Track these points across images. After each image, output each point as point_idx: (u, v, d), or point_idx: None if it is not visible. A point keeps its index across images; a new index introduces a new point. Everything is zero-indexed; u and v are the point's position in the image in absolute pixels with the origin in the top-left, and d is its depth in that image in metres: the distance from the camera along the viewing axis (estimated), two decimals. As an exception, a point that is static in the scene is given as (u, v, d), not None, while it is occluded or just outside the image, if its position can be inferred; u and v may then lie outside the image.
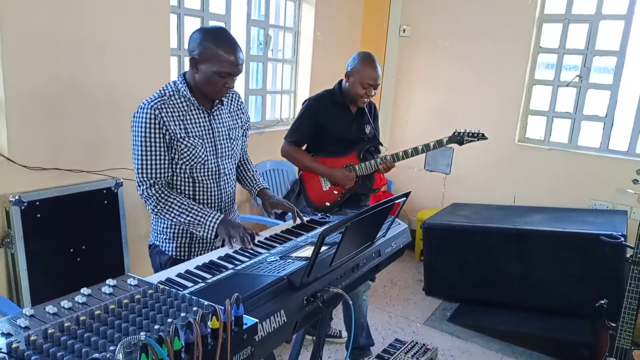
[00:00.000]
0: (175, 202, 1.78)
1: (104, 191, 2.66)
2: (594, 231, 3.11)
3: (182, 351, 0.91)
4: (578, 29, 3.97)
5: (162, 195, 1.78)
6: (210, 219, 1.78)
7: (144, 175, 1.77)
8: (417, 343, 2.71)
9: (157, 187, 1.78)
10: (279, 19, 3.96)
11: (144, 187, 1.78)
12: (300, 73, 4.14)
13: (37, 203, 2.35)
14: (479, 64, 4.31)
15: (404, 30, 4.63)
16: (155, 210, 1.79)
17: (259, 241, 1.80)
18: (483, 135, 2.83)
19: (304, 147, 2.78)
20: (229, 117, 1.96)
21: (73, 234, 2.52)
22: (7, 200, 2.25)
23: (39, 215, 2.35)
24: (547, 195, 4.07)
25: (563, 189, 4.03)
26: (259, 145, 3.59)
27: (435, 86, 4.60)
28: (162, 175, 1.79)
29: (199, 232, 1.80)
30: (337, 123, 2.67)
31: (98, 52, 2.54)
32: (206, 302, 1.11)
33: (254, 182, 2.16)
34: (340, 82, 2.68)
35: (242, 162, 2.17)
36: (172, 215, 1.79)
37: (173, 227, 1.90)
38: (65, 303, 1.11)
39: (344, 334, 3.03)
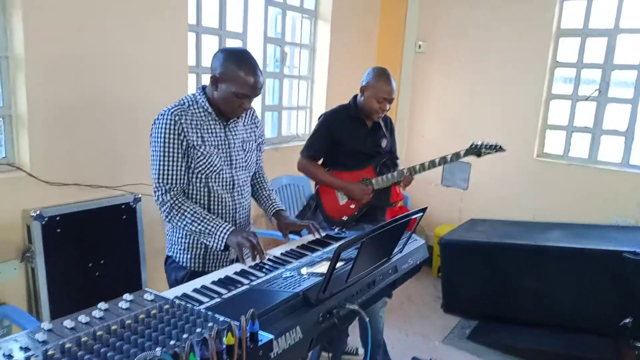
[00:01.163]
0: (188, 209, 1.79)
1: (123, 206, 2.69)
2: (616, 248, 3.03)
3: (197, 367, 0.91)
4: (596, 42, 3.94)
5: (177, 202, 1.80)
6: (220, 229, 1.78)
7: (161, 181, 1.79)
8: (435, 362, 2.67)
9: (172, 193, 1.80)
10: (295, 36, 4.01)
11: (160, 192, 1.80)
12: (316, 89, 4.17)
13: (58, 218, 2.39)
14: (495, 78, 4.30)
15: (420, 46, 4.64)
16: (169, 217, 1.81)
17: (274, 257, 1.80)
18: (501, 147, 2.79)
19: (320, 162, 2.78)
20: (243, 129, 1.99)
21: (92, 249, 2.55)
22: (28, 215, 2.29)
23: (59, 230, 2.39)
24: (567, 212, 4.00)
25: (583, 204, 3.95)
26: (275, 160, 3.60)
27: (452, 101, 4.58)
28: (179, 181, 1.81)
29: (209, 242, 1.80)
30: (353, 137, 2.67)
31: (118, 70, 2.60)
32: (222, 318, 1.10)
33: (270, 202, 2.16)
34: (356, 96, 2.69)
35: (258, 180, 2.18)
36: (184, 223, 1.79)
37: (188, 237, 1.91)
38: (82, 318, 1.12)
39: (361, 350, 2.99)
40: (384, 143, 2.75)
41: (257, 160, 2.12)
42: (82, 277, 2.50)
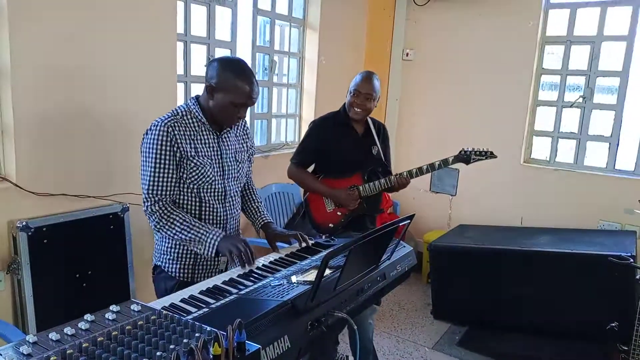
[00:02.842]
0: (177, 218, 1.79)
1: (110, 216, 2.67)
2: (602, 252, 3.07)
3: (183, 378, 0.91)
4: (580, 50, 4.00)
5: (166, 211, 1.79)
6: (211, 236, 1.77)
7: (151, 191, 1.79)
8: (425, 368, 2.67)
9: (161, 203, 1.79)
10: (284, 45, 4.03)
11: (149, 203, 1.79)
12: (305, 97, 4.18)
13: (44, 229, 2.36)
14: (482, 86, 4.34)
15: (407, 54, 4.68)
16: (158, 226, 1.80)
17: (263, 265, 1.80)
18: (492, 153, 2.81)
19: (311, 168, 2.79)
20: (235, 140, 1.99)
21: (79, 259, 2.53)
22: (14, 226, 2.27)
23: (45, 241, 2.36)
24: (555, 216, 4.04)
25: (570, 209, 4.00)
26: (264, 168, 3.61)
27: (440, 108, 4.62)
28: (169, 192, 1.81)
29: (200, 249, 1.79)
30: (341, 144, 2.68)
31: (106, 79, 2.59)
32: (209, 328, 1.10)
33: (259, 214, 2.15)
34: (345, 102, 2.71)
35: (247, 192, 2.17)
36: (174, 231, 1.78)
37: (177, 247, 1.90)
38: (68, 330, 1.12)
39: (351, 358, 2.99)
40: (374, 150, 2.76)
41: (249, 170, 2.12)
42: (69, 289, 2.47)
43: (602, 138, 3.98)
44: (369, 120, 2.78)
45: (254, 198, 2.18)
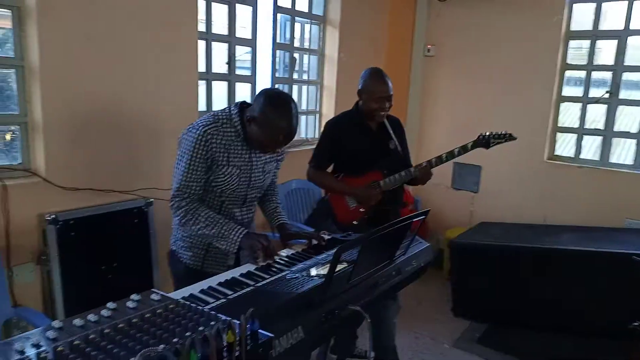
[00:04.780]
0: (202, 214, 1.84)
1: (135, 210, 2.75)
2: (627, 250, 3.01)
3: (198, 364, 0.95)
4: (606, 45, 3.92)
5: (191, 207, 1.84)
6: (234, 233, 1.82)
7: (181, 188, 1.85)
8: (443, 365, 2.67)
9: (189, 199, 1.85)
10: (304, 42, 4.06)
11: (178, 199, 1.85)
12: (325, 93, 4.20)
13: (72, 222, 2.45)
14: (505, 81, 4.29)
15: (429, 50, 4.66)
16: (183, 221, 1.85)
17: (280, 259, 1.84)
18: (511, 135, 2.77)
19: (330, 168, 2.80)
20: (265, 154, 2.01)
21: (105, 252, 2.62)
22: (43, 219, 2.36)
23: (73, 234, 2.45)
24: (579, 214, 3.97)
25: (595, 207, 3.92)
26: (284, 165, 3.62)
27: (462, 104, 4.59)
28: (197, 192, 1.87)
29: (222, 245, 1.84)
30: (357, 142, 2.67)
31: (130, 77, 2.66)
32: (223, 317, 1.14)
33: (276, 214, 2.15)
34: (357, 102, 2.72)
35: (269, 192, 2.19)
36: (198, 227, 1.83)
37: (192, 237, 1.96)
38: (91, 317, 1.17)
39: (371, 354, 3.00)
40: (391, 145, 2.76)
41: (275, 175, 2.16)
42: (95, 280, 2.56)
43: (629, 134, 3.89)
44: None
45: (274, 199, 2.20)
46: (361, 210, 2.69)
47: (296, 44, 3.93)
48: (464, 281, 3.65)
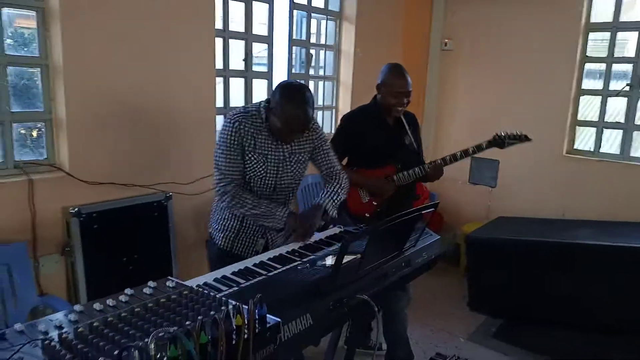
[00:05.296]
0: (248, 197, 1.97)
1: (155, 204, 2.83)
2: (646, 245, 2.97)
3: (208, 345, 1.00)
4: (627, 36, 3.85)
5: (237, 192, 1.97)
6: (279, 211, 1.95)
7: (223, 174, 1.97)
8: (459, 358, 2.67)
9: (233, 184, 1.97)
10: (320, 38, 4.09)
11: (223, 184, 1.98)
12: (342, 89, 4.23)
13: (94, 215, 2.55)
14: (523, 74, 4.25)
15: (446, 44, 4.64)
16: (231, 204, 1.98)
17: (293, 250, 1.88)
18: (526, 136, 2.77)
19: (344, 161, 2.83)
20: (297, 142, 2.09)
21: (126, 244, 2.70)
22: (67, 212, 2.46)
23: (95, 226, 2.55)
24: (599, 209, 3.92)
25: (615, 202, 3.87)
26: (301, 160, 3.68)
27: (479, 98, 4.56)
28: (238, 175, 1.99)
29: (269, 223, 1.97)
30: (373, 136, 2.70)
31: (150, 75, 2.74)
32: (234, 302, 1.19)
33: (320, 196, 2.14)
34: (376, 96, 2.75)
35: (327, 176, 2.21)
36: (246, 209, 1.96)
37: (224, 220, 2.11)
38: (110, 301, 1.24)
39: (384, 346, 3.04)
40: (406, 140, 2.78)
41: (326, 161, 2.18)
42: (116, 271, 2.65)
43: (651, 128, 3.82)
44: None
45: (328, 185, 2.17)
46: (374, 203, 2.72)
47: (312, 39, 3.97)
48: (480, 276, 3.64)
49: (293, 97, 1.89)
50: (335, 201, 2.12)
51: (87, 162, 2.54)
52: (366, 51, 4.18)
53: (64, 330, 1.09)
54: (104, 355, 0.97)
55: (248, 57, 3.42)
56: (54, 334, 1.08)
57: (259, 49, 3.59)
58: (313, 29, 3.98)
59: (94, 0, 2.44)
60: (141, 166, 2.79)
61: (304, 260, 1.74)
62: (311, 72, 4.02)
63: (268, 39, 3.54)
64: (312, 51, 3.98)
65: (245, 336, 1.05)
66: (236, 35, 3.34)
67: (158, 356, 0.96)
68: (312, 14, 3.90)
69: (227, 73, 3.33)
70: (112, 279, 2.60)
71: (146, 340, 0.99)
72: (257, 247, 2.12)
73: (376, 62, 4.26)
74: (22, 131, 2.53)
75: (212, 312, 1.14)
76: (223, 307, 1.17)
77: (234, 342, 1.04)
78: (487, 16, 4.40)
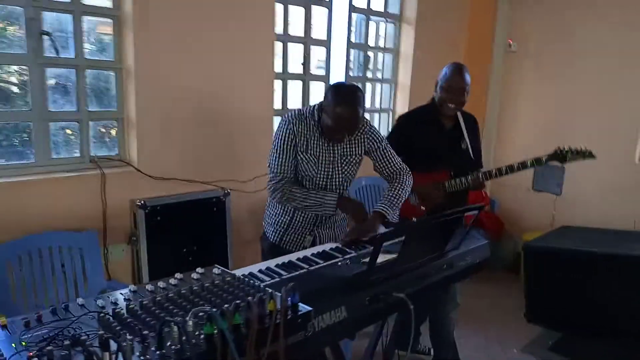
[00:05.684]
0: (298, 191, 2.06)
1: (214, 200, 2.99)
2: None
3: (241, 326, 1.08)
4: None
5: (286, 188, 2.07)
6: (329, 197, 2.03)
7: (275, 171, 2.09)
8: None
9: (284, 181, 2.08)
10: (379, 40, 4.12)
11: (274, 181, 2.10)
12: (400, 91, 4.23)
13: (159, 208, 2.73)
14: (593, 79, 4.05)
15: (510, 45, 4.50)
16: (282, 199, 2.09)
17: (337, 247, 1.94)
18: (590, 153, 2.64)
19: None
20: (348, 144, 2.16)
21: (186, 236, 2.88)
22: (134, 204, 2.66)
23: (159, 219, 2.73)
24: (675, 221, 3.65)
25: (694, 214, 3.59)
26: (356, 161, 3.73)
27: (545, 102, 4.39)
28: (289, 172, 2.09)
29: (322, 211, 2.05)
30: (428, 139, 2.66)
31: (212, 78, 2.89)
32: (270, 290, 1.26)
33: (380, 201, 2.16)
34: (434, 97, 2.69)
35: (390, 178, 2.26)
36: (297, 202, 2.06)
37: (276, 216, 2.23)
38: (161, 283, 1.36)
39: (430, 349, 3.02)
40: (463, 145, 2.72)
41: (385, 161, 2.23)
42: (177, 261, 2.83)
43: None
44: (459, 113, 2.73)
45: (391, 187, 2.21)
46: (422, 208, 2.69)
47: (371, 42, 4.00)
48: (538, 286, 3.49)
49: (344, 96, 1.95)
50: (396, 205, 2.14)
51: (153, 159, 2.74)
52: (426, 53, 4.15)
53: (118, 306, 1.21)
54: (148, 328, 1.07)
55: (306, 61, 3.52)
56: (110, 308, 1.20)
57: (318, 52, 3.67)
58: (372, 32, 4.02)
59: (163, 9, 2.63)
60: (203, 163, 2.95)
61: (345, 257, 1.79)
62: (369, 74, 4.05)
63: (326, 43, 3.63)
64: (370, 54, 4.02)
65: (277, 321, 1.12)
66: (295, 39, 3.45)
67: (196, 333, 1.05)
68: (371, 17, 3.94)
69: (285, 76, 3.44)
70: (173, 267, 2.74)
71: (186, 317, 1.08)
72: (305, 243, 2.20)
73: (436, 65, 4.20)
74: (102, 130, 2.77)
75: (249, 298, 1.22)
76: (260, 294, 1.24)
77: (266, 325, 1.11)
78: (556, 17, 4.23)
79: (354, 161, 2.20)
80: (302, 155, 2.07)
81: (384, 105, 4.24)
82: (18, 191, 2.32)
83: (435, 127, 2.68)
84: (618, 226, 3.90)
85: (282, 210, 2.21)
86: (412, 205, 2.74)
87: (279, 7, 3.23)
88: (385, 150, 2.23)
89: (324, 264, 1.72)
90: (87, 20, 2.57)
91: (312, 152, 2.08)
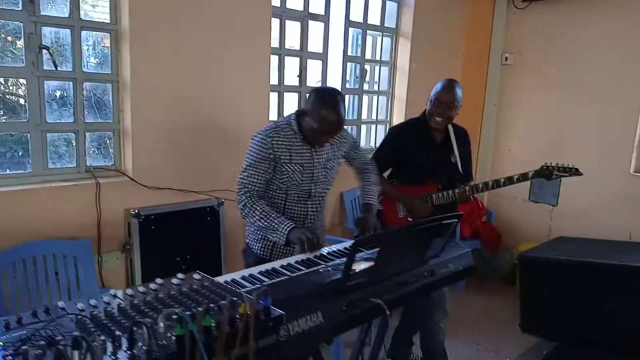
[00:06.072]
0: (257, 208, 2.06)
1: (208, 209, 3.04)
2: None
3: (211, 328, 1.11)
4: None
5: (250, 201, 2.08)
6: (283, 226, 2.01)
7: (243, 184, 2.11)
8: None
9: (249, 194, 2.10)
10: (376, 54, 4.18)
11: (240, 193, 2.11)
12: (396, 103, 4.28)
13: (152, 217, 2.79)
14: (588, 90, 4.08)
15: (507, 59, 4.55)
16: (243, 212, 2.11)
17: (321, 255, 1.97)
18: (577, 170, 2.68)
19: (387, 173, 2.87)
20: (330, 149, 2.23)
21: (180, 245, 2.92)
22: (129, 213, 2.71)
23: (153, 227, 2.78)
24: (670, 232, 3.65)
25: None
26: (351, 173, 3.77)
27: (541, 114, 4.42)
28: (257, 187, 2.10)
29: (273, 237, 2.05)
30: (418, 151, 2.71)
31: (208, 91, 2.96)
32: (244, 295, 1.30)
33: (364, 193, 2.45)
34: (425, 109, 2.73)
35: (362, 172, 2.48)
36: (254, 219, 2.06)
37: (261, 229, 2.18)
38: (141, 288, 1.40)
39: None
40: (452, 159, 2.76)
41: (359, 158, 2.45)
42: (170, 269, 2.76)
43: None
44: (450, 126, 2.77)
45: (367, 177, 2.46)
46: (409, 219, 2.72)
47: (367, 55, 4.07)
48: (533, 296, 3.50)
49: (328, 100, 2.02)
50: (377, 196, 2.42)
51: (148, 169, 2.79)
52: (422, 66, 4.20)
53: (96, 309, 1.25)
54: (122, 329, 1.11)
55: (302, 73, 3.58)
56: (88, 311, 1.24)
57: (315, 65, 3.74)
58: (369, 45, 4.08)
59: (158, 23, 2.70)
60: (197, 173, 3.01)
61: (328, 264, 1.82)
62: (365, 87, 4.11)
63: (322, 56, 3.69)
64: (367, 67, 4.07)
65: (246, 324, 1.16)
66: (291, 53, 3.51)
67: (167, 334, 1.09)
68: (368, 31, 4.00)
69: (282, 88, 3.51)
70: (166, 275, 2.80)
71: (157, 318, 1.12)
72: (295, 253, 2.20)
73: (432, 77, 4.23)
74: (107, 140, 2.83)
75: (223, 302, 1.26)
76: (234, 298, 1.28)
77: (236, 328, 1.14)
78: (551, 30, 4.27)
79: (335, 165, 2.27)
80: (287, 167, 2.10)
81: (381, 117, 4.29)
82: (14, 200, 2.39)
83: (426, 139, 2.72)
84: (613, 237, 3.91)
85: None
86: (399, 216, 2.78)
87: (275, 22, 3.30)
88: (357, 146, 2.44)
89: (306, 270, 1.76)
90: (93, 35, 2.65)
91: (296, 162, 2.11)
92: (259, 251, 2.23)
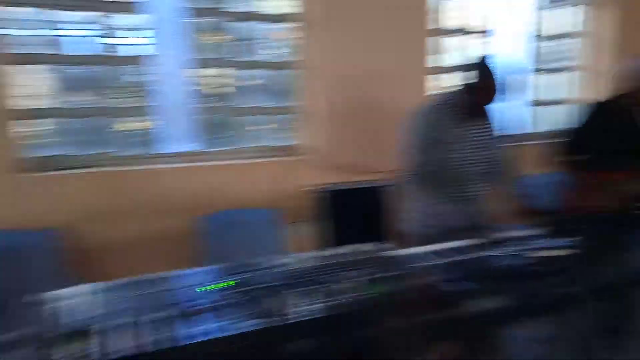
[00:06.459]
0: (423, 192, 2.13)
1: (378, 188, 3.10)
2: None
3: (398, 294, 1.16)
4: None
5: (412, 184, 2.15)
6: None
7: (407, 166, 2.15)
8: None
9: (414, 175, 2.15)
10: (564, 26, 3.78)
11: (407, 173, 2.17)
12: (588, 79, 3.86)
13: (334, 192, 2.97)
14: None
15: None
16: (409, 194, 2.18)
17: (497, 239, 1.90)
18: None
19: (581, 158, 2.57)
20: (485, 129, 2.16)
21: (347, 222, 3.01)
22: (311, 189, 2.94)
23: (332, 202, 2.96)
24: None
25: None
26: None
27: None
28: (422, 168, 2.12)
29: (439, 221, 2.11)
30: (618, 133, 2.39)
31: (376, 75, 3.06)
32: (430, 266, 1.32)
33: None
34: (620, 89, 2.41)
35: (503, 174, 2.29)
36: (419, 202, 2.15)
37: (427, 207, 2.21)
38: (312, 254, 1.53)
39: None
40: None
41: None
42: (346, 242, 2.99)
43: None
44: None
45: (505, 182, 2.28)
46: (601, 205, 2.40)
47: (552, 29, 3.72)
48: None
49: (485, 68, 1.98)
50: None
51: (326, 149, 3.00)
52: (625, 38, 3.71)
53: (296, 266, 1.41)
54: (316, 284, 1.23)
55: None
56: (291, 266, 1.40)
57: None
58: (554, 18, 3.71)
59: (333, 14, 2.89)
60: (369, 154, 3.10)
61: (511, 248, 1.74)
62: (554, 64, 3.78)
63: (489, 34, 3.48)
64: (553, 42, 3.72)
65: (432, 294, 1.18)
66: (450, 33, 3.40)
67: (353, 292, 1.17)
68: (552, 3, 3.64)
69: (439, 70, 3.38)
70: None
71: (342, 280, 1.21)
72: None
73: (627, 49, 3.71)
74: (290, 122, 3.09)
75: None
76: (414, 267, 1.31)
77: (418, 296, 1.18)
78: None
79: (491, 145, 2.15)
80: (443, 145, 2.06)
81: (564, 95, 3.89)
82: (215, 172, 2.79)
83: (627, 119, 2.40)
84: None
85: (434, 200, 2.19)
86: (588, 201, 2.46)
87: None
88: (503, 138, 2.24)
89: (491, 253, 1.70)
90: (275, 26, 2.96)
91: (452, 140, 2.08)
92: (419, 228, 2.22)
